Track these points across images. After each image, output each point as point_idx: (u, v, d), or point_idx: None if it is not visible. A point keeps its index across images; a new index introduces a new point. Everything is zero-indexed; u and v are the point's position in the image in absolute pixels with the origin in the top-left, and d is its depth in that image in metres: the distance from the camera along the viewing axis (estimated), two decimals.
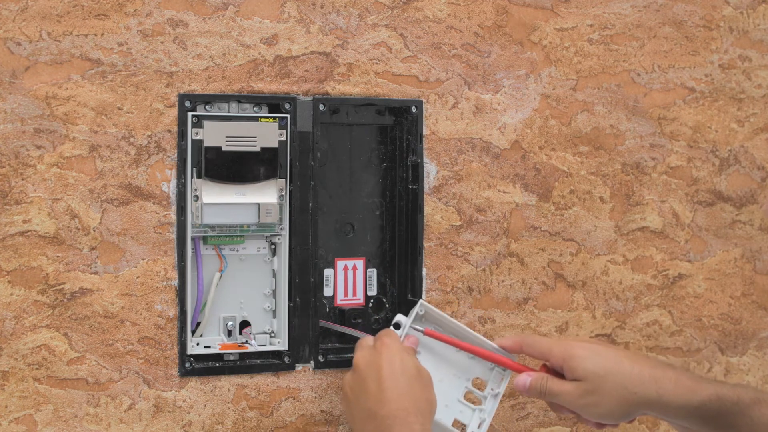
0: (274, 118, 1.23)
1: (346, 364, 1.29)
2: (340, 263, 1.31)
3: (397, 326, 1.21)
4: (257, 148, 1.23)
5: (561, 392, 1.15)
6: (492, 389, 1.21)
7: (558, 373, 1.18)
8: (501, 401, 1.36)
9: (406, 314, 1.24)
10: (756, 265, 1.51)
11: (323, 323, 1.29)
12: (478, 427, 1.19)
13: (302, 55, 1.25)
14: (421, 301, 1.20)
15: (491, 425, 1.35)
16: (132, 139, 1.18)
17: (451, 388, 1.19)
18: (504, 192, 1.36)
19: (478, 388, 1.21)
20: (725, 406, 1.15)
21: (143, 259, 1.19)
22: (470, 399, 1.22)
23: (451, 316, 1.24)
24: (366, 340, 1.17)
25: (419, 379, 1.11)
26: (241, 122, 1.22)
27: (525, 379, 1.17)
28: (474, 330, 1.26)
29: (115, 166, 1.18)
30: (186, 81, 1.20)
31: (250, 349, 1.24)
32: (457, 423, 1.19)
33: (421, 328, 1.20)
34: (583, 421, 1.19)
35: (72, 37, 1.16)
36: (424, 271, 1.31)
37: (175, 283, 1.20)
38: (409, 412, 1.08)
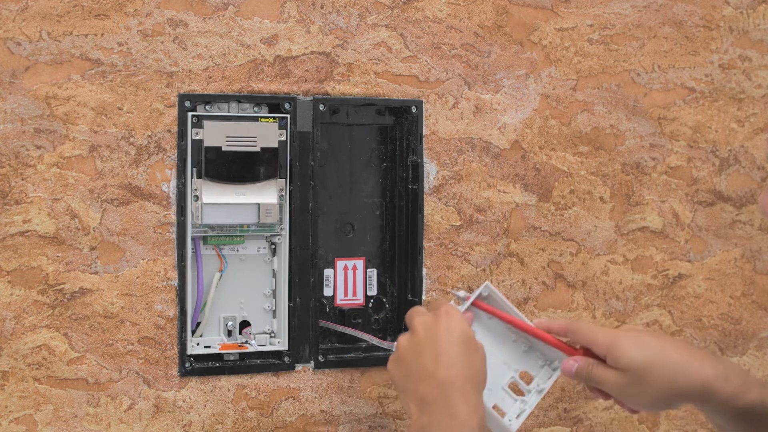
0: (274, 118, 1.23)
1: (346, 364, 1.29)
2: (340, 263, 1.31)
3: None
4: (257, 148, 1.23)
5: (606, 380, 1.14)
6: (538, 384, 1.20)
7: (601, 359, 1.17)
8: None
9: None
10: (756, 265, 1.51)
11: (323, 323, 1.29)
12: (517, 417, 1.17)
13: (302, 55, 1.25)
14: (487, 282, 1.18)
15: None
16: (132, 139, 1.18)
17: (498, 375, 1.18)
18: (504, 192, 1.36)
19: (525, 382, 1.21)
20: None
21: (143, 259, 1.19)
22: (513, 390, 1.21)
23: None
24: (420, 307, 1.16)
25: (476, 351, 1.10)
26: (241, 122, 1.22)
27: (572, 364, 1.16)
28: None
29: (115, 166, 1.18)
30: (186, 81, 1.20)
31: (250, 349, 1.24)
32: (496, 408, 1.18)
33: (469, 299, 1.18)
34: (620, 404, 1.19)
35: (72, 37, 1.16)
36: (424, 271, 1.31)
37: (175, 283, 1.20)
38: (467, 380, 1.07)
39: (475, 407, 1.06)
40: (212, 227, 1.22)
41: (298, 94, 1.25)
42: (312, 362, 1.27)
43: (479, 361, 1.10)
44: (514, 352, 1.20)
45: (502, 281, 1.36)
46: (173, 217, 1.20)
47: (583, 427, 1.41)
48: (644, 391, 1.13)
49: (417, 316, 1.12)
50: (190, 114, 1.20)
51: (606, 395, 1.17)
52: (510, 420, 1.17)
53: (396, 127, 1.32)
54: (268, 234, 1.25)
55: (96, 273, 1.17)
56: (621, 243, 1.42)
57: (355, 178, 1.32)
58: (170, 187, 1.20)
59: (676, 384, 1.13)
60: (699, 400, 1.14)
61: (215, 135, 1.21)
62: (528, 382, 1.20)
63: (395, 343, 1.12)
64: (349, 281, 1.32)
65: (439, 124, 1.32)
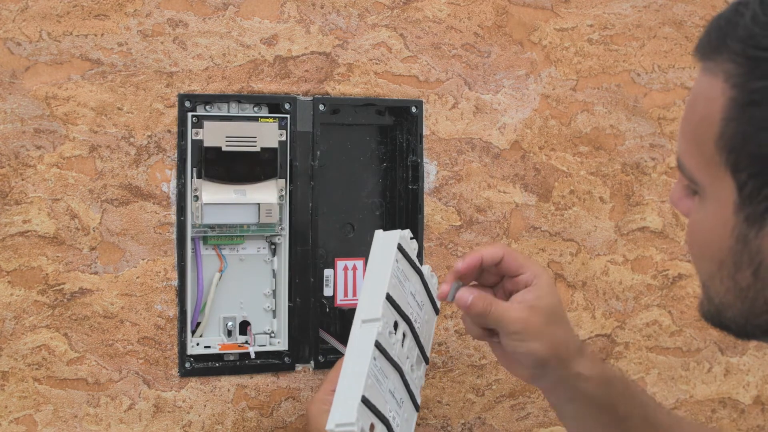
0: (274, 118, 1.23)
1: None
2: (340, 263, 1.31)
3: None
4: (257, 148, 1.23)
5: (505, 317, 1.10)
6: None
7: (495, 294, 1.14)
8: (501, 401, 1.36)
9: None
10: None
11: (323, 335, 1.28)
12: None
13: (302, 55, 1.25)
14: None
15: (491, 425, 1.35)
16: (132, 139, 1.18)
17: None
18: (504, 192, 1.36)
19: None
20: (615, 387, 1.14)
21: (143, 259, 1.19)
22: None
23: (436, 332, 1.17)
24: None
25: None
26: (241, 122, 1.22)
27: (467, 296, 1.10)
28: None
29: (115, 166, 1.18)
30: (186, 81, 1.20)
31: (250, 349, 1.24)
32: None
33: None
34: (498, 357, 1.15)
35: (72, 37, 1.16)
36: None
37: (175, 283, 1.20)
38: None
39: None
40: (212, 227, 1.22)
41: (298, 95, 1.25)
42: (312, 362, 1.27)
43: None
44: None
45: None
46: (173, 217, 1.20)
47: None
48: (542, 334, 1.10)
49: None
50: (190, 114, 1.20)
51: (486, 336, 1.13)
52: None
53: (396, 127, 1.32)
54: (268, 234, 1.25)
55: (96, 273, 1.17)
56: (621, 243, 1.42)
57: (355, 178, 1.32)
58: (170, 187, 1.20)
59: (562, 339, 1.11)
60: (561, 365, 1.12)
61: (215, 135, 1.21)
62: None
63: None
64: (349, 281, 1.32)
65: (439, 124, 1.32)
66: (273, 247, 1.26)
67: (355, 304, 1.32)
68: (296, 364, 1.26)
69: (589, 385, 1.13)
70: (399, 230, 1.16)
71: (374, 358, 1.06)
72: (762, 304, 0.82)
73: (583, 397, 1.14)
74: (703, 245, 0.85)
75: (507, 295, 1.14)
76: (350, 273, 1.32)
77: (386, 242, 1.15)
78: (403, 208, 1.32)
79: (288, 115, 1.24)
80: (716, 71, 0.82)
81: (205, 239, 1.23)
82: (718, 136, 0.80)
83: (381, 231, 1.15)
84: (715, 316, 0.86)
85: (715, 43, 0.83)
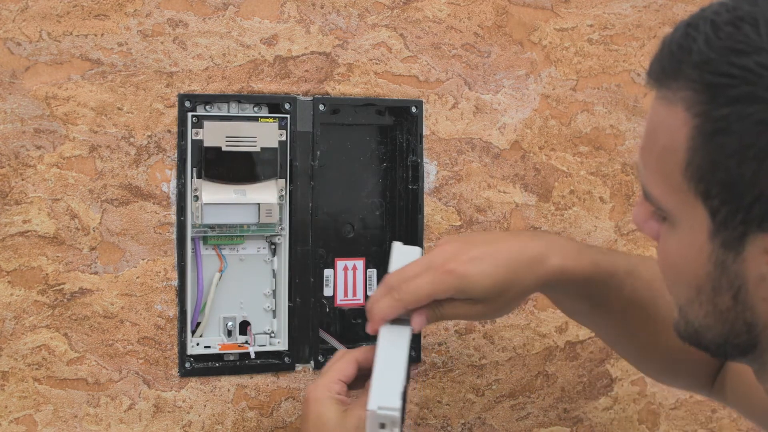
0: (274, 118, 1.23)
1: None
2: (340, 263, 1.31)
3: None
4: (257, 148, 1.23)
5: (459, 313, 1.08)
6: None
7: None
8: (501, 401, 1.37)
9: None
10: None
11: (323, 335, 1.28)
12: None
13: (302, 55, 1.25)
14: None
15: (491, 425, 1.35)
16: (132, 139, 1.18)
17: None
18: (504, 192, 1.36)
19: None
20: (601, 278, 1.10)
21: (143, 259, 1.19)
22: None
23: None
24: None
25: (340, 426, 1.06)
26: (241, 122, 1.22)
27: (422, 319, 1.08)
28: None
29: (115, 166, 1.18)
30: (186, 81, 1.20)
31: (250, 349, 1.24)
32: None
33: None
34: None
35: (72, 37, 1.16)
36: None
37: (175, 283, 1.20)
38: None
39: None
40: (212, 227, 1.22)
41: (298, 94, 1.25)
42: (312, 362, 1.27)
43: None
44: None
45: None
46: (173, 217, 1.20)
47: (583, 427, 1.41)
48: (499, 308, 1.10)
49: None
50: (190, 114, 1.20)
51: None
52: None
53: (396, 127, 1.32)
54: (268, 234, 1.25)
55: (96, 273, 1.17)
56: (621, 243, 1.42)
57: (355, 178, 1.32)
58: (170, 187, 1.20)
59: (527, 289, 1.10)
60: (546, 290, 1.12)
61: (215, 135, 1.21)
62: None
63: None
64: (349, 281, 1.32)
65: (439, 124, 1.32)
66: (273, 247, 1.27)
67: (355, 304, 1.32)
68: (296, 364, 1.26)
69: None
70: (419, 247, 1.15)
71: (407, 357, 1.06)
72: (742, 325, 0.82)
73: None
74: (678, 271, 0.85)
75: None
76: (350, 273, 1.32)
77: (408, 255, 1.14)
78: (403, 208, 1.32)
79: (288, 115, 1.24)
80: (674, 99, 0.80)
81: (205, 239, 1.23)
82: (685, 165, 0.79)
83: (400, 243, 1.15)
84: (693, 336, 0.86)
85: (669, 69, 0.80)
